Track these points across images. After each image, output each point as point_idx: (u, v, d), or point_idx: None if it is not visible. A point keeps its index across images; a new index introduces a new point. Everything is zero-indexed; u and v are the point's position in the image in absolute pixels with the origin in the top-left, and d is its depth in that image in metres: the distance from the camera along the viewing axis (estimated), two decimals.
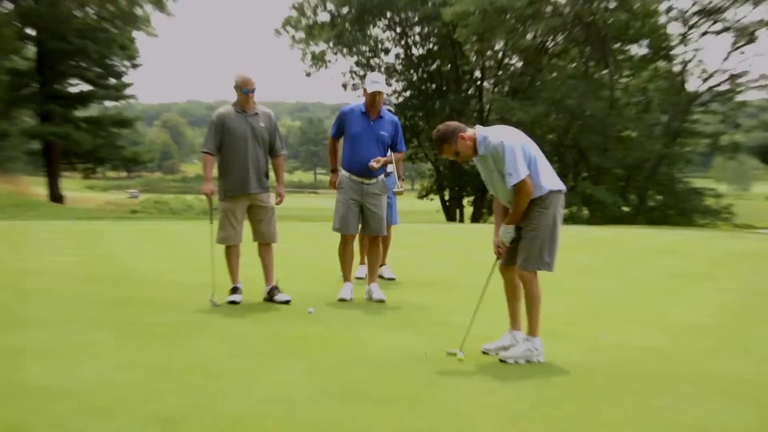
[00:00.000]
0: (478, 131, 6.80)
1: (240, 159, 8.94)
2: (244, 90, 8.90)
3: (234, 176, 8.99)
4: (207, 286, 9.29)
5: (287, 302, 9.13)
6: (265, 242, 9.31)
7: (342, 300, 9.42)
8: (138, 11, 46.99)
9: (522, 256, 6.82)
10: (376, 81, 9.32)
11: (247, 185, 8.99)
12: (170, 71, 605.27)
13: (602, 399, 5.80)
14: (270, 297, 9.23)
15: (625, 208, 44.27)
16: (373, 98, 9.28)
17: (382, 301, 9.39)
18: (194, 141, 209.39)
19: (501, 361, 6.77)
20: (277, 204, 9.29)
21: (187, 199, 72.40)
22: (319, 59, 54.94)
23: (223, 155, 9.01)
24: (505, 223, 6.83)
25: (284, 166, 9.51)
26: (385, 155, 9.42)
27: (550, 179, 6.82)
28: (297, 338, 7.54)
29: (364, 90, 9.41)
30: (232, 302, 9.04)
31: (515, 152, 6.62)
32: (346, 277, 9.67)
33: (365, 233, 9.65)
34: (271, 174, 9.40)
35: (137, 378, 6.02)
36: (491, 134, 6.74)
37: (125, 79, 58.16)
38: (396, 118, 9.70)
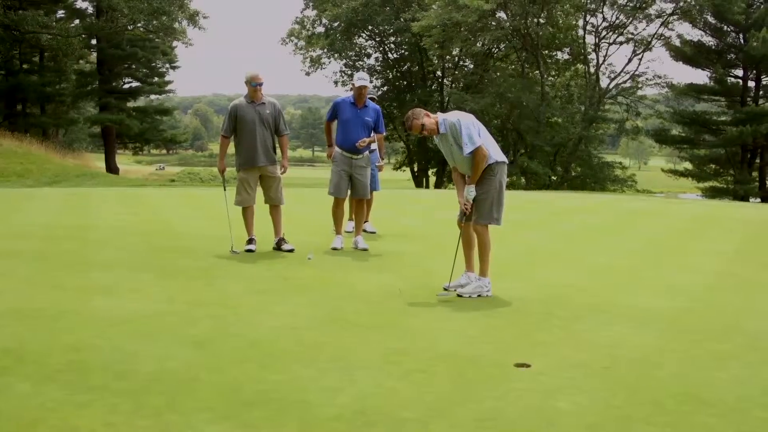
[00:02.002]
0: (439, 116, 6.81)
1: (249, 139, 8.91)
2: (253, 84, 8.83)
3: (246, 153, 8.98)
4: (228, 238, 9.22)
5: (291, 251, 9.06)
6: (273, 204, 9.25)
7: (334, 249, 9.37)
8: (177, 26, 46.68)
9: (476, 213, 6.80)
10: (361, 78, 9.40)
11: (256, 160, 8.96)
12: (201, 70, 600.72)
13: (536, 325, 5.79)
14: (278, 246, 9.15)
15: (554, 177, 44.34)
16: (359, 91, 9.29)
17: (365, 250, 9.35)
18: (219, 125, 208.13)
19: (458, 295, 6.72)
20: (282, 174, 9.20)
21: (213, 170, 71.83)
22: (316, 62, 54.73)
23: (237, 137, 9.03)
24: (467, 184, 6.78)
25: (288, 144, 9.43)
26: (369, 136, 9.47)
27: (495, 152, 6.82)
28: (300, 278, 7.51)
29: (353, 85, 9.42)
30: (249, 251, 8.99)
31: (469, 128, 6.63)
32: (338, 231, 9.66)
33: (353, 197, 9.66)
34: (279, 151, 9.34)
35: (176, 309, 5.99)
36: (449, 116, 6.79)
37: (166, 77, 58.01)
38: (378, 107, 9.72)
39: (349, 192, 9.62)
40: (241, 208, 9.23)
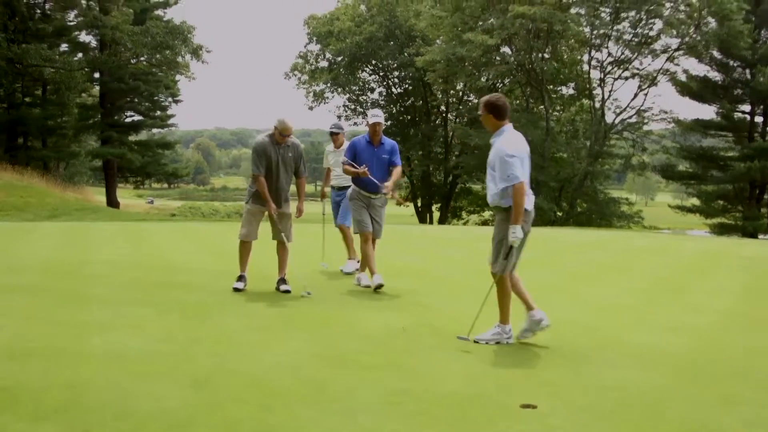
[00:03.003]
0: (503, 127, 6.41)
1: (269, 181, 8.84)
2: (283, 134, 8.78)
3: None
4: (230, 274, 9.20)
5: (287, 291, 8.83)
6: (281, 241, 9.11)
7: (369, 287, 9.23)
8: (180, 60, 47.09)
9: (492, 258, 6.51)
10: (375, 115, 9.41)
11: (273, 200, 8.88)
12: (203, 104, 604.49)
13: (542, 364, 5.76)
14: (278, 286, 9.01)
15: (559, 213, 44.33)
16: (374, 128, 9.29)
17: (368, 287, 9.26)
18: (221, 160, 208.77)
19: (475, 341, 6.42)
20: (297, 217, 9.18)
21: (215, 204, 72.06)
22: (319, 96, 55.12)
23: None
24: (510, 223, 6.22)
25: (305, 186, 9.34)
26: (385, 172, 9.33)
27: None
28: (301, 316, 7.48)
29: (367, 122, 9.46)
30: (236, 289, 8.81)
31: (514, 162, 6.17)
32: (372, 269, 9.27)
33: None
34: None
35: (175, 346, 5.96)
36: (504, 138, 6.34)
37: (168, 111, 58.36)
38: (394, 142, 9.65)
39: (352, 227, 9.61)
40: (239, 242, 9.09)
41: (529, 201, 6.35)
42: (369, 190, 9.30)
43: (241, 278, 8.99)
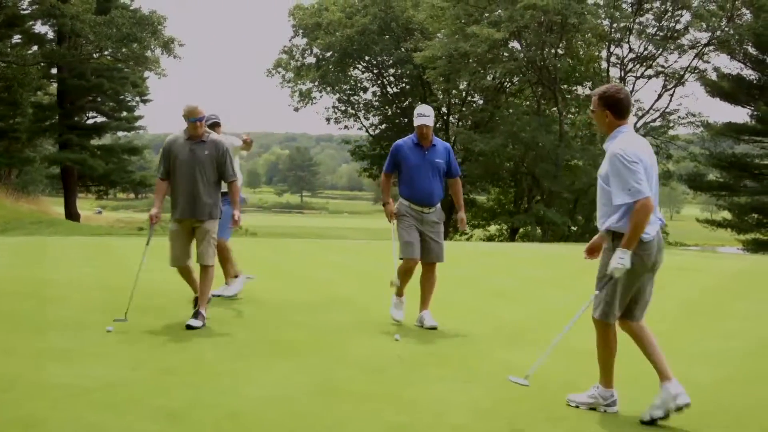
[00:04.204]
0: (622, 127, 5.45)
1: (181, 186, 8.22)
2: (191, 119, 8.13)
3: (176, 202, 8.34)
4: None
5: (190, 327, 7.96)
6: (199, 263, 8.39)
7: (398, 322, 8.57)
8: (148, 54, 47.07)
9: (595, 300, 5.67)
10: (422, 114, 8.62)
11: (185, 210, 8.26)
12: (175, 104, 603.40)
13: (556, 397, 5.77)
14: (189, 322, 8.09)
15: (574, 228, 44.43)
16: (421, 131, 8.57)
17: (434, 328, 8.38)
18: None
19: (568, 402, 5.71)
20: (233, 226, 8.59)
21: None
22: (305, 96, 55.13)
23: (172, 181, 8.36)
24: (621, 246, 5.29)
25: (238, 192, 8.61)
26: (441, 182, 8.69)
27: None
28: (287, 342, 7.49)
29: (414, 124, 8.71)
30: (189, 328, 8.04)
31: (637, 170, 5.22)
32: (400, 293, 8.76)
33: (424, 260, 8.71)
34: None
35: (145, 376, 5.96)
36: (623, 140, 5.37)
37: (136, 112, 58.33)
38: (448, 144, 8.98)
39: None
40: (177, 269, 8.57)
41: (651, 225, 5.38)
42: (423, 202, 8.60)
43: (197, 315, 8.28)
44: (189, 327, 7.95)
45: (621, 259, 5.24)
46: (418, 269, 8.73)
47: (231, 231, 9.64)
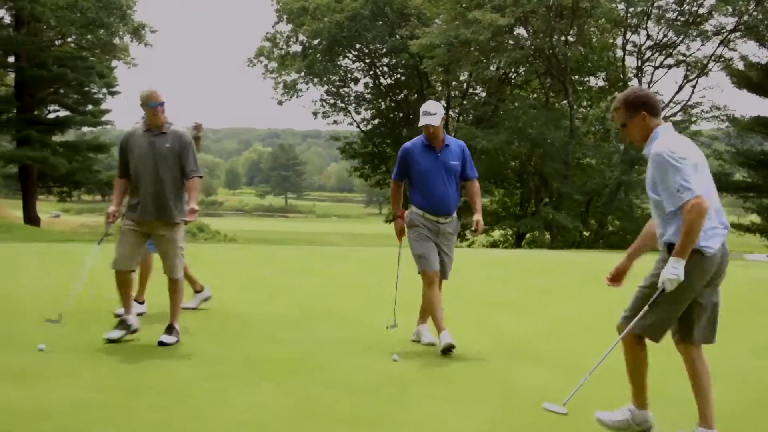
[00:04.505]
0: (661, 126, 5.36)
1: (139, 182, 8.06)
2: (150, 104, 7.94)
3: (134, 199, 8.21)
4: (181, 310, 9.17)
5: (163, 344, 7.91)
6: (168, 276, 8.27)
7: (449, 348, 7.88)
8: (117, 41, 46.97)
9: (627, 312, 5.52)
10: (427, 111, 8.25)
11: (145, 211, 8.09)
12: None
13: (563, 420, 5.76)
14: (162, 338, 8.03)
15: (585, 233, 44.46)
16: (427, 131, 8.27)
17: (431, 345, 8.27)
18: None
19: (598, 420, 5.60)
20: (187, 220, 8.18)
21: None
22: (290, 88, 55.06)
23: (131, 176, 8.21)
24: (673, 255, 5.11)
25: (198, 189, 8.20)
26: (458, 187, 8.44)
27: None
28: (268, 360, 7.49)
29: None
30: (110, 340, 7.98)
31: (683, 166, 5.09)
32: (439, 326, 8.11)
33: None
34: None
35: (110, 399, 5.95)
36: (663, 138, 5.29)
37: (103, 106, 58.00)
38: (461, 142, 8.69)
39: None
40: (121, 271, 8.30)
41: (714, 237, 5.24)
42: (438, 211, 8.31)
43: (121, 323, 8.16)
44: (162, 344, 7.93)
45: (674, 269, 5.05)
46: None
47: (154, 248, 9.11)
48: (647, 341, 5.45)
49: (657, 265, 5.33)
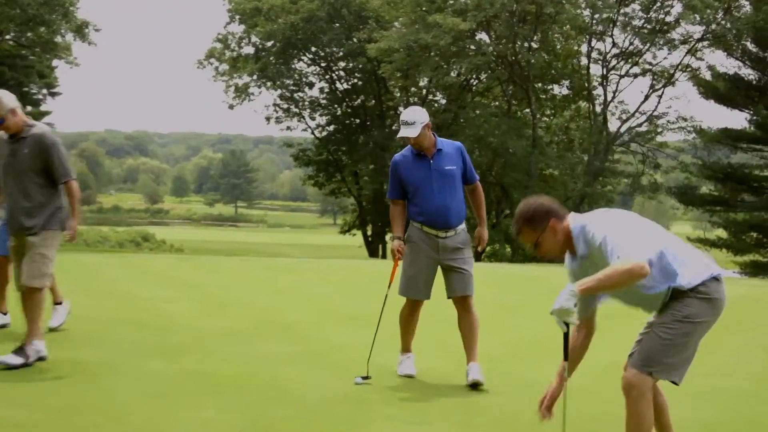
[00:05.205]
0: (572, 220, 5.07)
1: (6, 191, 7.77)
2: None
3: (4, 209, 7.99)
4: (121, 323, 9.06)
5: (9, 365, 7.34)
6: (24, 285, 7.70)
7: (408, 376, 7.73)
8: (58, 39, 46.59)
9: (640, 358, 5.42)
10: (404, 122, 7.66)
11: (12, 221, 7.77)
12: (90, 99, 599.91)
13: None
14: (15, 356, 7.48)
15: None
16: (411, 142, 7.74)
17: (478, 384, 7.44)
18: (111, 171, 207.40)
19: None
20: (68, 240, 7.85)
21: (103, 230, 71.38)
22: (242, 92, 54.95)
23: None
24: (579, 285, 4.99)
25: (76, 196, 7.71)
26: (459, 194, 7.79)
27: (697, 270, 5.12)
28: (212, 377, 7.41)
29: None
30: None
31: (623, 235, 4.85)
32: (406, 348, 7.94)
33: (449, 296, 7.91)
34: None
35: (43, 418, 5.85)
36: (590, 223, 5.02)
37: (43, 107, 57.62)
38: (459, 144, 8.14)
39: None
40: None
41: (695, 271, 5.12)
42: (437, 224, 7.69)
43: (20, 351, 7.54)
44: (8, 365, 7.30)
45: (570, 292, 5.01)
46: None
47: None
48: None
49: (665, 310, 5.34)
